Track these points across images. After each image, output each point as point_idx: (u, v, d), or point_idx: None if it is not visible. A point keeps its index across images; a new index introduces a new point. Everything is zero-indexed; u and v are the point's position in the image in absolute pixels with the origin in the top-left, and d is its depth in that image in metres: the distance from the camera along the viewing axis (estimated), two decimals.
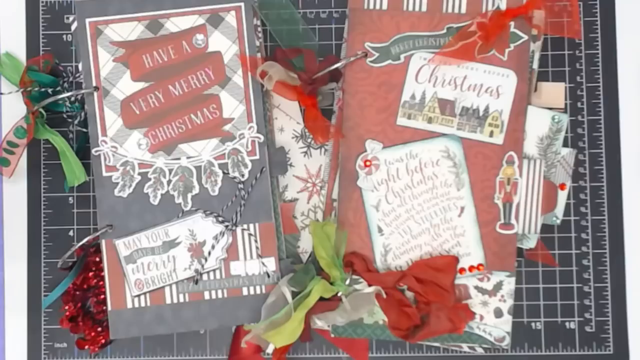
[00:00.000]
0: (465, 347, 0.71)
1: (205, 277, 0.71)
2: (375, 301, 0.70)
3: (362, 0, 0.71)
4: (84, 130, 0.73)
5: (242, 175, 0.71)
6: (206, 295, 0.71)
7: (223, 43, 0.71)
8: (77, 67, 0.74)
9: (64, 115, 0.73)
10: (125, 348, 0.74)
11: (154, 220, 0.71)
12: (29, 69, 0.72)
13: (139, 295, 0.71)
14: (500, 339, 0.71)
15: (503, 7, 0.70)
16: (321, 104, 0.72)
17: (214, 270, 0.71)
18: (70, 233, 0.74)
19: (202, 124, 0.71)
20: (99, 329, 0.72)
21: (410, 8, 0.71)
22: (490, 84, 0.71)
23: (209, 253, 0.71)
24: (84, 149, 0.73)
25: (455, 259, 0.71)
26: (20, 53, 0.75)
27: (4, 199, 0.75)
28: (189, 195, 0.71)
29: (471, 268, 0.71)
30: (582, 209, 0.73)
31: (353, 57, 0.71)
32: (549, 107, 0.71)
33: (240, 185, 0.71)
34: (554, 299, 0.73)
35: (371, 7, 0.71)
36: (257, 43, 0.71)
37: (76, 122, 0.73)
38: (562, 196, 0.71)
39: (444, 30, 0.71)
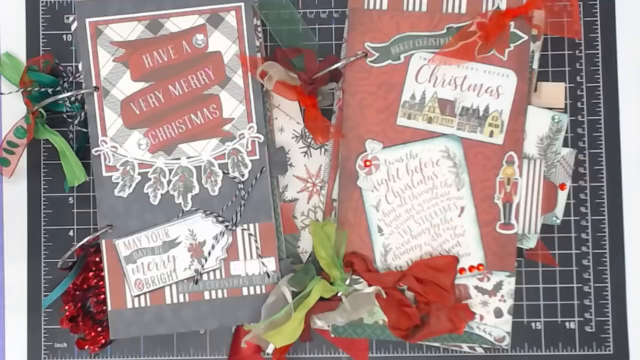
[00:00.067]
0: (465, 347, 0.71)
1: (205, 277, 0.71)
2: (375, 301, 0.70)
3: (362, 0, 0.71)
4: (84, 130, 0.73)
5: (242, 175, 0.71)
6: (206, 295, 0.71)
7: (223, 43, 0.71)
8: (77, 67, 0.74)
9: (64, 115, 0.73)
10: (125, 348, 0.74)
11: (154, 220, 0.71)
12: (29, 69, 0.72)
13: (139, 295, 0.71)
14: (500, 339, 0.71)
15: (503, 7, 0.70)
16: (321, 104, 0.72)
17: (214, 270, 0.71)
18: (70, 233, 0.74)
19: (202, 124, 0.71)
20: (99, 329, 0.72)
21: (410, 8, 0.71)
22: (490, 84, 0.71)
23: (209, 253, 0.71)
24: (84, 149, 0.73)
25: (455, 259, 0.71)
26: (20, 53, 0.75)
27: (4, 199, 0.75)
28: (189, 195, 0.71)
29: (471, 268, 0.71)
30: (582, 209, 0.73)
31: (353, 57, 0.71)
32: (549, 107, 0.71)
33: (240, 185, 0.71)
34: (554, 299, 0.73)
35: (371, 7, 0.71)
36: (257, 43, 0.71)
37: (76, 122, 0.73)
38: (562, 196, 0.71)
39: (444, 30, 0.71)
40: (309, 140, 0.73)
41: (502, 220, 0.70)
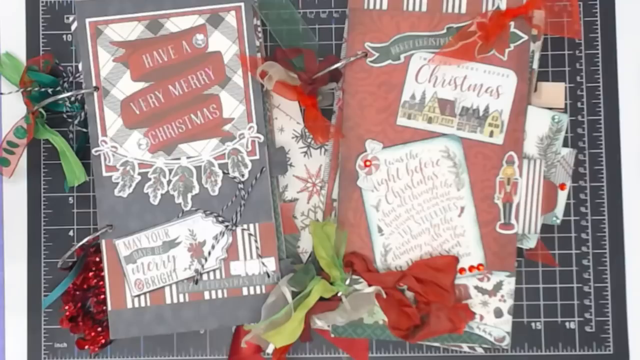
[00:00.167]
0: (465, 347, 0.71)
1: (205, 277, 0.71)
2: (375, 301, 0.70)
3: (362, 0, 0.71)
4: (84, 130, 0.73)
5: (242, 175, 0.71)
6: (206, 295, 0.71)
7: (223, 43, 0.71)
8: (77, 67, 0.74)
9: (64, 115, 0.73)
10: (125, 348, 0.74)
11: (154, 220, 0.71)
12: (29, 69, 0.72)
13: (139, 295, 0.71)
14: (500, 339, 0.71)
15: (503, 7, 0.70)
16: (321, 104, 0.72)
17: (214, 270, 0.71)
18: (70, 233, 0.74)
19: (202, 124, 0.71)
20: (99, 329, 0.72)
21: (410, 8, 0.71)
22: (490, 84, 0.71)
23: (209, 253, 0.71)
24: (84, 149, 0.73)
25: (455, 259, 0.71)
26: (20, 53, 0.75)
27: (4, 199, 0.75)
28: (189, 195, 0.71)
29: (471, 268, 0.71)
30: (582, 209, 0.73)
31: (353, 57, 0.71)
32: (549, 107, 0.71)
33: (240, 185, 0.71)
34: (554, 299, 0.73)
35: (371, 7, 0.71)
36: (257, 43, 0.71)
37: (76, 122, 0.73)
38: (562, 196, 0.71)
39: (444, 30, 0.71)
40: (309, 140, 0.73)
41: (502, 220, 0.70)
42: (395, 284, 0.70)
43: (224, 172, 0.71)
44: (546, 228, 0.72)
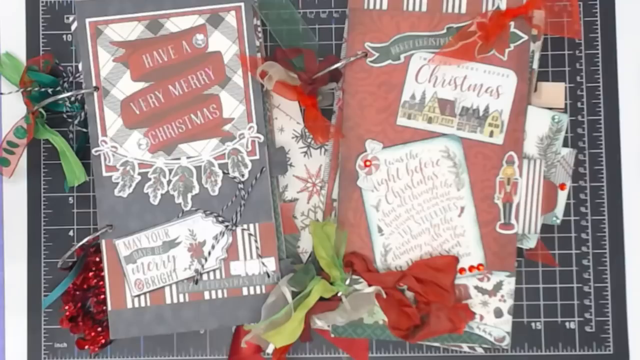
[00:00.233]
0: (465, 347, 0.71)
1: (205, 277, 0.71)
2: (375, 301, 0.70)
3: (362, 0, 0.71)
4: (84, 130, 0.73)
5: (242, 175, 0.71)
6: (206, 295, 0.71)
7: (223, 43, 0.71)
8: (77, 67, 0.74)
9: (64, 115, 0.73)
10: (125, 348, 0.74)
11: (154, 220, 0.71)
12: (29, 69, 0.72)
13: (139, 295, 0.71)
14: (500, 339, 0.71)
15: (503, 7, 0.70)
16: (321, 104, 0.72)
17: (214, 270, 0.71)
18: (70, 233, 0.74)
19: (202, 124, 0.71)
20: (99, 329, 0.72)
21: (410, 8, 0.71)
22: (490, 84, 0.71)
23: (209, 253, 0.71)
24: (84, 149, 0.73)
25: (455, 259, 0.71)
26: (20, 53, 0.75)
27: (4, 199, 0.75)
28: (189, 195, 0.71)
29: (471, 268, 0.71)
30: (582, 209, 0.73)
31: (353, 57, 0.71)
32: (549, 107, 0.71)
33: (240, 185, 0.71)
34: (554, 299, 0.73)
35: (371, 7, 0.71)
36: (257, 43, 0.71)
37: (76, 122, 0.73)
38: (562, 196, 0.71)
39: (444, 30, 0.71)
40: (309, 140, 0.73)
41: (502, 220, 0.70)
42: (395, 284, 0.70)
43: (224, 172, 0.71)
44: (546, 228, 0.72)
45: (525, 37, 0.70)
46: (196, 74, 0.71)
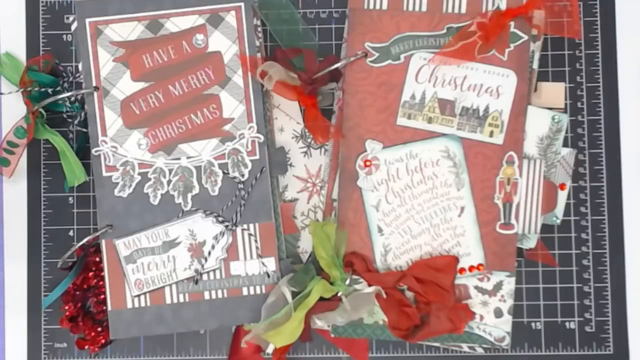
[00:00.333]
0: (465, 347, 0.71)
1: (205, 277, 0.71)
2: (375, 301, 0.70)
3: (362, 0, 0.71)
4: (84, 130, 0.73)
5: (242, 175, 0.71)
6: (206, 295, 0.71)
7: (223, 43, 0.71)
8: (77, 67, 0.74)
9: (64, 115, 0.73)
10: (125, 348, 0.74)
11: (154, 220, 0.71)
12: (29, 69, 0.72)
13: (139, 295, 0.71)
14: (500, 339, 0.71)
15: (503, 7, 0.70)
16: (321, 104, 0.72)
17: (214, 270, 0.71)
18: (70, 233, 0.74)
19: (202, 124, 0.71)
20: (99, 329, 0.72)
21: (410, 8, 0.71)
22: (490, 84, 0.71)
23: (209, 253, 0.71)
24: (84, 149, 0.73)
25: (455, 259, 0.71)
26: (20, 53, 0.75)
27: (4, 199, 0.75)
28: (189, 195, 0.71)
29: (471, 268, 0.71)
30: (582, 209, 0.73)
31: (353, 57, 0.71)
32: (549, 107, 0.71)
33: (240, 185, 0.71)
34: (554, 299, 0.73)
35: (371, 7, 0.71)
36: (257, 43, 0.71)
37: (76, 122, 0.73)
38: (562, 196, 0.71)
39: (444, 30, 0.71)
40: (309, 140, 0.73)
41: (502, 220, 0.70)
42: (395, 284, 0.70)
43: (224, 172, 0.71)
44: (546, 228, 0.72)
45: (525, 37, 0.70)
46: (196, 74, 0.71)
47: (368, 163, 0.71)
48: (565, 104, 0.73)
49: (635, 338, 0.72)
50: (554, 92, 0.72)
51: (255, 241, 0.71)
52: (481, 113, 0.71)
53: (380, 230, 0.71)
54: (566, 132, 0.72)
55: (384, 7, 0.71)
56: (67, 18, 0.75)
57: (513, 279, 0.71)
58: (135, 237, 0.71)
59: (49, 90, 0.73)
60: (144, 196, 0.71)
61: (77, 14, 0.72)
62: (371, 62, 0.71)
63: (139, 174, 0.71)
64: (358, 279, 0.70)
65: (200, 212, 0.71)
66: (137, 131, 0.71)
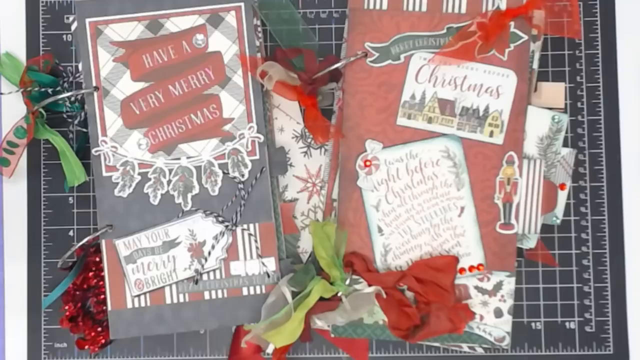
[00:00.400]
0: (465, 347, 0.71)
1: (205, 277, 0.71)
2: (375, 301, 0.70)
3: (362, 0, 0.71)
4: (84, 130, 0.73)
5: (242, 175, 0.71)
6: (206, 295, 0.71)
7: (223, 43, 0.71)
8: (77, 67, 0.74)
9: (64, 115, 0.73)
10: (125, 348, 0.74)
11: (154, 220, 0.71)
12: (29, 69, 0.72)
13: (139, 295, 0.71)
14: (500, 339, 0.71)
15: (503, 7, 0.70)
16: (321, 104, 0.72)
17: (214, 270, 0.71)
18: (70, 233, 0.74)
19: (202, 124, 0.71)
20: (99, 329, 0.72)
21: (410, 8, 0.71)
22: (490, 84, 0.71)
23: (209, 253, 0.71)
24: (84, 149, 0.73)
25: (455, 259, 0.71)
26: (20, 53, 0.75)
27: (4, 199, 0.75)
28: (189, 195, 0.71)
29: (471, 268, 0.71)
30: (582, 209, 0.73)
31: (353, 57, 0.71)
32: (549, 107, 0.71)
33: (240, 185, 0.71)
34: (554, 299, 0.73)
35: (371, 7, 0.71)
36: (257, 43, 0.71)
37: (76, 122, 0.73)
38: (562, 196, 0.71)
39: (444, 30, 0.71)
40: (309, 140, 0.73)
41: (502, 220, 0.70)
42: (395, 284, 0.70)
43: (224, 172, 0.71)
44: (546, 228, 0.72)
45: (525, 37, 0.70)
46: (196, 74, 0.71)
47: (368, 163, 0.71)
48: (565, 104, 0.73)
49: (635, 338, 0.72)
50: (554, 92, 0.72)
51: (255, 241, 0.71)
52: (481, 113, 0.71)
53: (380, 230, 0.71)
54: (566, 132, 0.72)
55: (384, 7, 0.71)
56: (67, 18, 0.75)
57: (513, 279, 0.71)
58: (135, 237, 0.71)
59: (49, 90, 0.73)
60: (144, 196, 0.71)
61: (77, 14, 0.72)
62: (371, 62, 0.71)
63: (139, 174, 0.71)
64: (358, 279, 0.70)
65: (200, 212, 0.71)
66: (137, 131, 0.71)
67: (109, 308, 0.71)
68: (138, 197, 0.71)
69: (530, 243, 0.71)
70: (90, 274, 0.72)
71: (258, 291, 0.71)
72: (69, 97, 0.72)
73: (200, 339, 0.74)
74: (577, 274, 0.73)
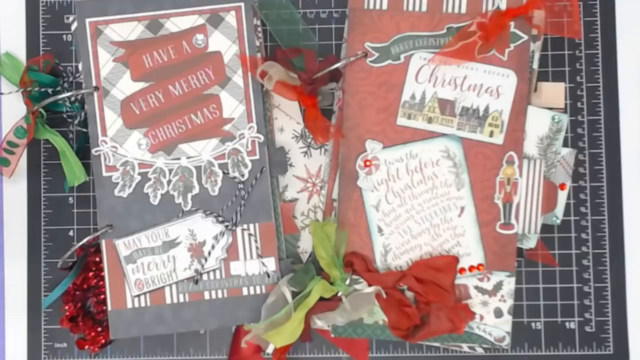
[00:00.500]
0: (465, 347, 0.71)
1: (205, 277, 0.71)
2: (375, 301, 0.70)
3: (362, 0, 0.71)
4: (84, 130, 0.73)
5: (242, 175, 0.71)
6: (206, 295, 0.71)
7: (223, 43, 0.71)
8: (77, 67, 0.74)
9: (64, 115, 0.73)
10: (125, 348, 0.74)
11: (154, 220, 0.71)
12: (29, 69, 0.72)
13: (139, 295, 0.71)
14: (500, 339, 0.71)
15: (503, 7, 0.70)
16: (321, 104, 0.72)
17: (214, 270, 0.71)
18: (70, 233, 0.74)
19: (202, 124, 0.71)
20: (99, 329, 0.72)
21: (410, 8, 0.71)
22: (490, 84, 0.71)
23: (209, 253, 0.71)
24: (84, 149, 0.73)
25: (455, 259, 0.71)
26: (20, 53, 0.75)
27: (4, 199, 0.75)
28: (189, 195, 0.71)
29: (471, 268, 0.71)
30: (582, 209, 0.73)
31: (353, 57, 0.71)
32: (549, 107, 0.71)
33: (240, 185, 0.71)
34: (554, 299, 0.73)
35: (371, 7, 0.71)
36: (257, 43, 0.71)
37: (76, 122, 0.73)
38: (562, 196, 0.71)
39: (444, 30, 0.71)
40: (309, 140, 0.73)
41: (502, 220, 0.70)
42: (395, 284, 0.70)
43: (224, 172, 0.71)
44: (546, 228, 0.72)
45: (525, 37, 0.70)
46: (196, 74, 0.71)
47: (368, 163, 0.71)
48: (565, 104, 0.73)
49: (635, 338, 0.72)
50: (554, 92, 0.72)
51: (255, 241, 0.71)
52: (481, 113, 0.71)
53: (380, 230, 0.71)
54: (566, 132, 0.72)
55: (384, 7, 0.71)
56: (67, 18, 0.75)
57: (513, 279, 0.71)
58: (135, 237, 0.71)
59: (49, 90, 0.73)
60: (144, 196, 0.71)
61: (77, 14, 0.72)
62: (371, 62, 0.71)
63: (139, 174, 0.71)
64: (358, 279, 0.70)
65: (200, 212, 0.71)
66: (137, 131, 0.71)
67: (109, 308, 0.71)
68: (138, 197, 0.71)
69: (530, 243, 0.71)
70: (90, 274, 0.72)
71: (258, 291, 0.71)
72: (69, 97, 0.72)
73: (200, 339, 0.74)
74: (577, 274, 0.73)
